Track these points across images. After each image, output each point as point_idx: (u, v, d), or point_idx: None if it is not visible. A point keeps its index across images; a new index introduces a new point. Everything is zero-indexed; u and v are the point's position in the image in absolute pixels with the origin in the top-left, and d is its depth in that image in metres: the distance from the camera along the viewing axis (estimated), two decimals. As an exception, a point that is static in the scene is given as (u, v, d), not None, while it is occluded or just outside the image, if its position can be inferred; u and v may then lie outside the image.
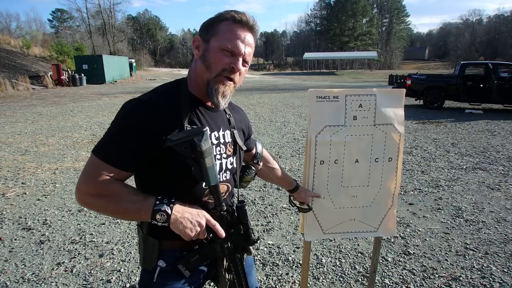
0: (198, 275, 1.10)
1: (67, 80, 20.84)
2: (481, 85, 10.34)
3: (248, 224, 1.07)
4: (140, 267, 1.12)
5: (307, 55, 55.15)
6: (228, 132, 1.12)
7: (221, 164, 1.08)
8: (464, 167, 5.04)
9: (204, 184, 1.00)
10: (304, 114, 9.88)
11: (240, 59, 1.00)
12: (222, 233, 1.00)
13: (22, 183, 4.44)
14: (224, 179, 1.10)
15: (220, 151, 1.08)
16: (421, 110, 10.75)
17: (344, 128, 1.42)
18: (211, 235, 1.01)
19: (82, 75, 21.63)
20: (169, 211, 0.92)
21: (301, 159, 5.48)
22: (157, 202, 0.93)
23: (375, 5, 72.16)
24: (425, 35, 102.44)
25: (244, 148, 1.21)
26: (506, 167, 4.98)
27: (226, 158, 1.10)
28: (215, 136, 1.06)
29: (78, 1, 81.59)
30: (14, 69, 19.89)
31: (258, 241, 1.37)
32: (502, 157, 5.55)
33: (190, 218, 0.95)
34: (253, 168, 1.33)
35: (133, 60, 32.67)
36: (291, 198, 1.52)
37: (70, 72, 21.97)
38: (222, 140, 1.09)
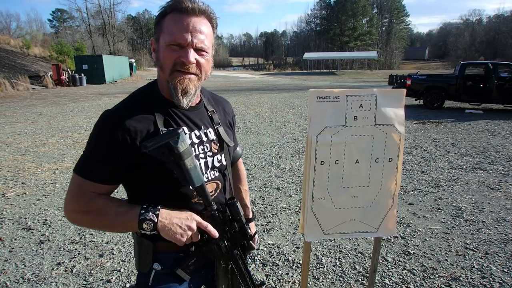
0: (194, 278, 1.09)
1: (67, 80, 20.83)
2: (481, 85, 10.33)
3: (242, 220, 1.05)
4: (136, 268, 1.11)
5: (307, 55, 55.13)
6: (211, 129, 1.09)
7: (206, 162, 1.05)
8: (464, 167, 5.04)
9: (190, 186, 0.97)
10: (304, 114, 9.87)
11: (190, 50, 0.93)
12: (215, 233, 0.99)
13: (22, 183, 4.44)
14: (212, 177, 1.07)
15: (203, 149, 1.05)
16: (421, 110, 10.75)
17: (344, 128, 1.41)
18: (206, 236, 1.00)
19: (82, 75, 21.63)
20: (155, 219, 0.91)
21: (301, 159, 5.48)
22: (142, 211, 0.91)
23: (375, 5, 72.16)
24: (425, 35, 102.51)
25: (232, 144, 1.16)
26: (506, 167, 4.98)
27: (212, 156, 1.07)
28: (195, 135, 1.03)
29: (78, 1, 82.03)
30: (14, 69, 19.88)
31: (256, 235, 1.36)
32: (502, 157, 5.55)
33: (179, 223, 0.93)
34: None
35: (133, 60, 32.66)
36: None
37: (70, 72, 21.96)
38: (205, 139, 1.06)
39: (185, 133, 0.99)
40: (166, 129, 0.95)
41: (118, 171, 0.95)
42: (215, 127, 1.10)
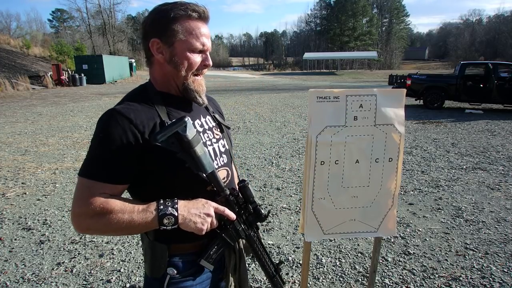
0: (207, 279, 1.08)
1: (67, 80, 20.83)
2: (481, 85, 10.33)
3: (256, 201, 1.07)
4: (147, 273, 1.06)
5: (307, 55, 55.12)
6: (209, 117, 1.12)
7: (214, 149, 1.06)
8: (464, 167, 5.04)
9: (202, 174, 0.96)
10: (304, 114, 9.87)
11: (208, 53, 1.02)
12: (233, 216, 1.00)
13: (22, 183, 4.44)
14: (222, 163, 1.08)
15: (208, 137, 1.07)
16: (421, 110, 10.75)
17: (344, 128, 1.41)
18: (222, 222, 1.00)
19: (82, 75, 21.63)
20: (175, 213, 0.89)
21: (301, 159, 5.48)
22: (161, 207, 0.89)
23: (375, 5, 72.18)
24: (425, 35, 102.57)
25: (230, 126, 1.21)
26: (506, 167, 4.98)
27: (217, 142, 1.09)
28: (198, 124, 1.05)
29: (78, 1, 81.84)
30: (14, 69, 19.88)
31: (269, 215, 1.38)
32: (502, 157, 5.55)
33: (197, 213, 0.92)
34: None
35: (133, 60, 32.67)
36: None
37: (70, 72, 21.97)
38: (206, 126, 1.08)
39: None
40: (171, 121, 0.95)
41: (130, 168, 0.92)
42: (212, 114, 1.15)
